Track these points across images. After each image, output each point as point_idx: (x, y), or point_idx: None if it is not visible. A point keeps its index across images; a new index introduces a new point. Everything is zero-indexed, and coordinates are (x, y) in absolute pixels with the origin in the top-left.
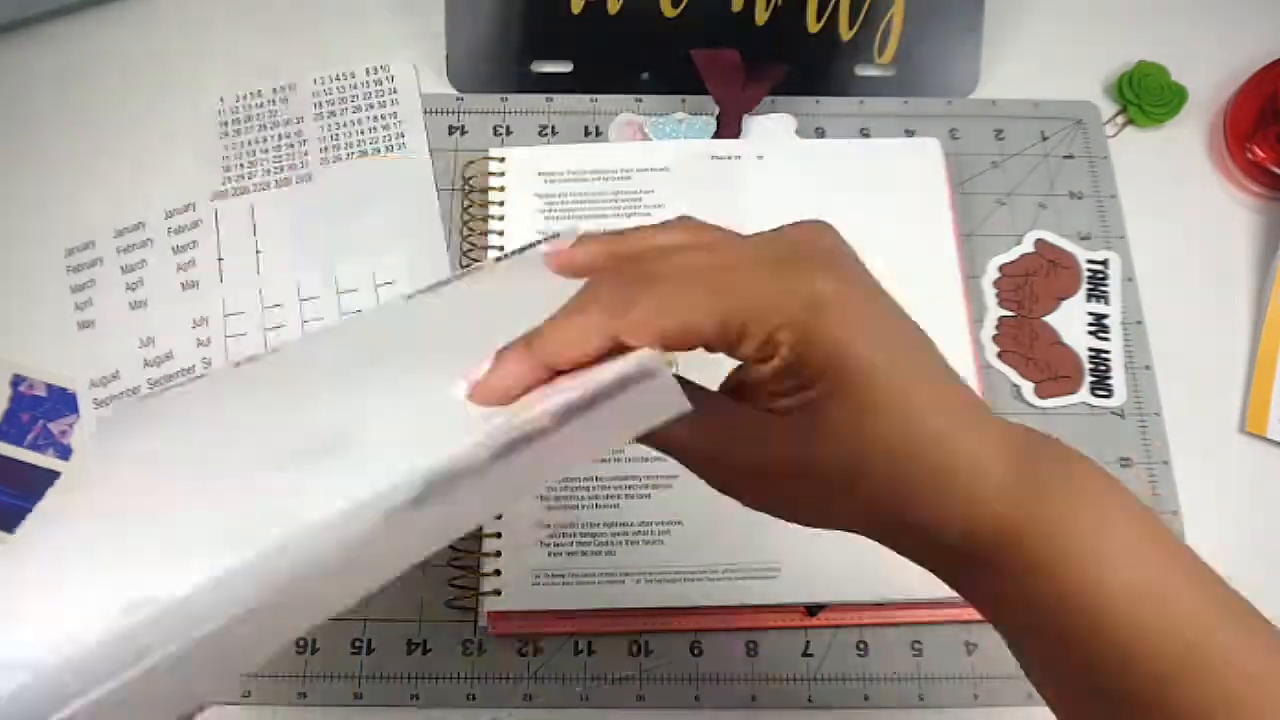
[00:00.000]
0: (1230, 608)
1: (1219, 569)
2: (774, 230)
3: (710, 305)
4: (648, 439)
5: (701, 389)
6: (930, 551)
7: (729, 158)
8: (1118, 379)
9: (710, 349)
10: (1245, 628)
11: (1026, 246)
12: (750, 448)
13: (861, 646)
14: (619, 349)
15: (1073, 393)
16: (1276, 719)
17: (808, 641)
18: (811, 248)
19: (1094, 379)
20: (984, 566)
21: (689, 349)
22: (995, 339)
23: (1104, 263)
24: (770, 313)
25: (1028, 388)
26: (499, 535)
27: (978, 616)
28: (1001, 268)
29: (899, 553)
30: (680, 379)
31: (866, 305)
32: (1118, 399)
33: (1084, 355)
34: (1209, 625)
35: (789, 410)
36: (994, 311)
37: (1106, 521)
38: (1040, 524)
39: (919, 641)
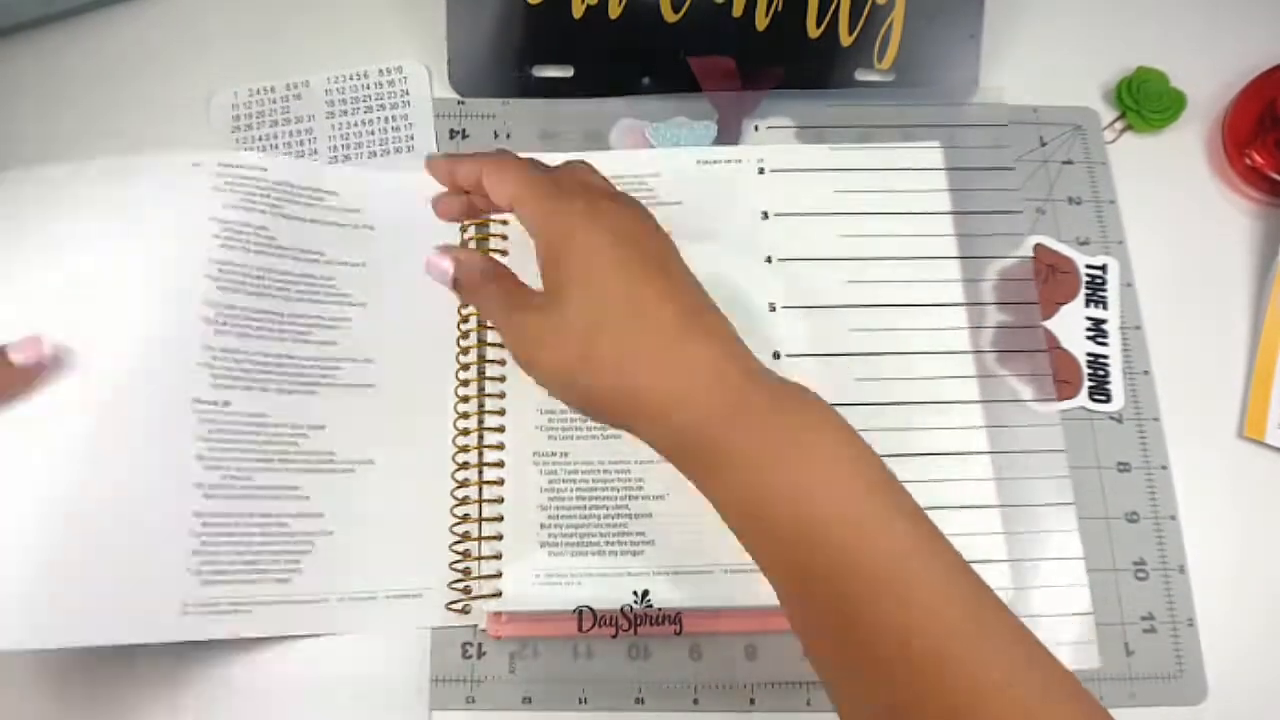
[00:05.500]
0: (921, 535)
1: (1219, 571)
2: (561, 167)
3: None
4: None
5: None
6: (657, 444)
7: (729, 162)
8: (1116, 384)
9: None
10: (931, 552)
11: (1025, 251)
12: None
13: None
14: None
15: (1071, 398)
16: (955, 621)
17: None
18: (579, 184)
19: (1093, 384)
20: (697, 466)
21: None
22: (994, 344)
23: (1103, 268)
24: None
25: (1027, 393)
26: (500, 537)
27: None
28: (1000, 272)
29: (637, 436)
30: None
31: (600, 230)
32: (1116, 404)
33: (1082, 360)
34: (902, 551)
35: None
36: (993, 317)
37: (819, 456)
38: (750, 448)
39: None
